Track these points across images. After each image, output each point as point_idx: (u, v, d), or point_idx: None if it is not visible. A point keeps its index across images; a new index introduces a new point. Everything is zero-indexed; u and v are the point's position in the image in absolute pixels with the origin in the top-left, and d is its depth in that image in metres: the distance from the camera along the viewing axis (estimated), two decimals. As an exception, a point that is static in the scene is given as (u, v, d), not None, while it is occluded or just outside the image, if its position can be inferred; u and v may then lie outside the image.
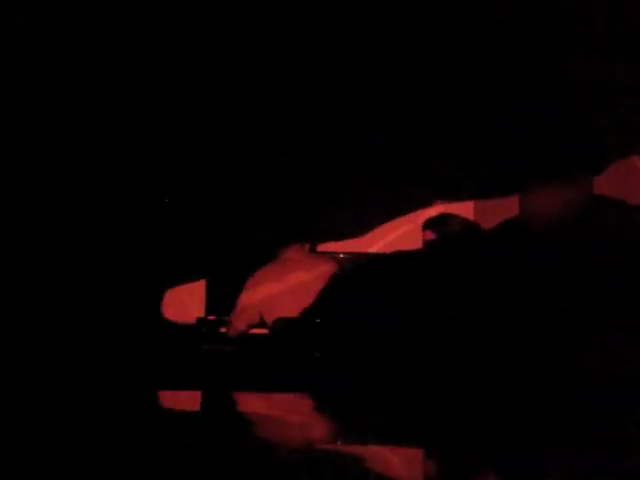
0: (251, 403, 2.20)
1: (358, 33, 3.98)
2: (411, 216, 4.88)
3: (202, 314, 4.65)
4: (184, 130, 4.67)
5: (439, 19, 3.71)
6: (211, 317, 4.47)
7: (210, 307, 4.69)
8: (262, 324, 3.79)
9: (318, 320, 3.44)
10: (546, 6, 3.89)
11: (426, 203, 4.78)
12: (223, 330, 4.10)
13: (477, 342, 2.82)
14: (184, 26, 4.16)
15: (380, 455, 1.54)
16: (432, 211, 4.77)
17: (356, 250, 4.82)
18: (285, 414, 2.03)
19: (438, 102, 4.27)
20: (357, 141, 4.67)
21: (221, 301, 4.51)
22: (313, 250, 4.21)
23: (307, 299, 3.62)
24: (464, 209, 4.85)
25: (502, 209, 4.70)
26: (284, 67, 4.36)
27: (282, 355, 3.34)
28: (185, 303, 4.93)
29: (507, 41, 4.15)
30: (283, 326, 3.51)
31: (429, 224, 3.68)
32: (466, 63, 4.30)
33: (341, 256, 4.46)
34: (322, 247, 4.78)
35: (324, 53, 4.35)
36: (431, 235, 3.57)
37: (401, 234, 4.93)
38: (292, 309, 3.61)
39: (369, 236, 5.07)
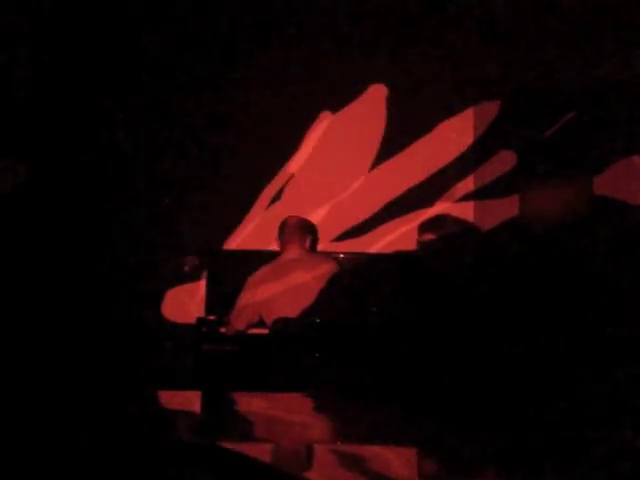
0: (251, 403, 2.20)
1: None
2: (411, 216, 4.91)
3: (202, 314, 4.67)
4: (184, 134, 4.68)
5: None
6: (211, 317, 4.49)
7: (210, 307, 4.72)
8: (262, 324, 3.80)
9: (318, 320, 3.44)
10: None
11: (426, 203, 4.81)
12: (223, 330, 4.12)
13: (475, 341, 2.82)
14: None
15: (380, 455, 1.54)
16: (432, 211, 4.80)
17: (356, 250, 4.84)
18: (285, 414, 2.03)
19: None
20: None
21: (221, 301, 4.53)
22: (313, 250, 4.22)
23: (307, 299, 3.63)
24: (464, 209, 4.87)
25: (502, 209, 4.71)
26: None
27: (282, 355, 3.34)
28: (185, 303, 4.95)
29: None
30: (283, 326, 3.50)
31: (425, 226, 3.67)
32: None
33: (341, 256, 4.47)
34: (322, 247, 4.81)
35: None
36: (427, 236, 3.56)
37: (401, 234, 4.96)
38: (292, 309, 3.61)
39: (369, 236, 5.10)
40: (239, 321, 3.78)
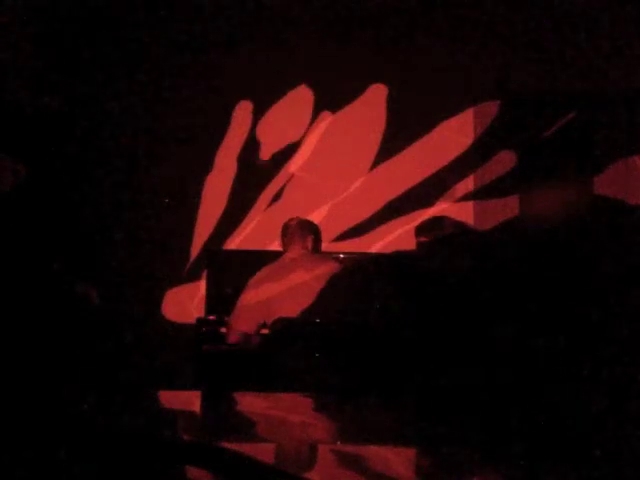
0: (251, 403, 2.20)
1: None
2: (411, 216, 4.91)
3: (202, 314, 4.67)
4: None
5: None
6: (211, 317, 4.49)
7: (210, 307, 4.71)
8: (262, 324, 3.80)
9: (318, 320, 3.44)
10: None
11: (426, 203, 4.81)
12: (223, 330, 4.11)
13: (474, 341, 2.82)
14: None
15: (380, 455, 1.54)
16: (432, 211, 4.80)
17: (356, 250, 4.84)
18: (285, 414, 2.03)
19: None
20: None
21: (221, 301, 4.53)
22: (317, 251, 4.22)
23: (307, 299, 3.63)
24: (464, 209, 4.87)
25: (502, 209, 4.72)
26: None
27: (282, 355, 3.34)
28: (185, 303, 4.95)
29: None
30: (283, 326, 3.50)
31: (422, 227, 3.67)
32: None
33: (341, 256, 4.47)
34: (322, 247, 4.80)
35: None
36: (426, 236, 3.56)
37: (400, 234, 4.96)
38: (293, 309, 3.61)
39: (369, 236, 5.10)
40: (240, 321, 3.77)
